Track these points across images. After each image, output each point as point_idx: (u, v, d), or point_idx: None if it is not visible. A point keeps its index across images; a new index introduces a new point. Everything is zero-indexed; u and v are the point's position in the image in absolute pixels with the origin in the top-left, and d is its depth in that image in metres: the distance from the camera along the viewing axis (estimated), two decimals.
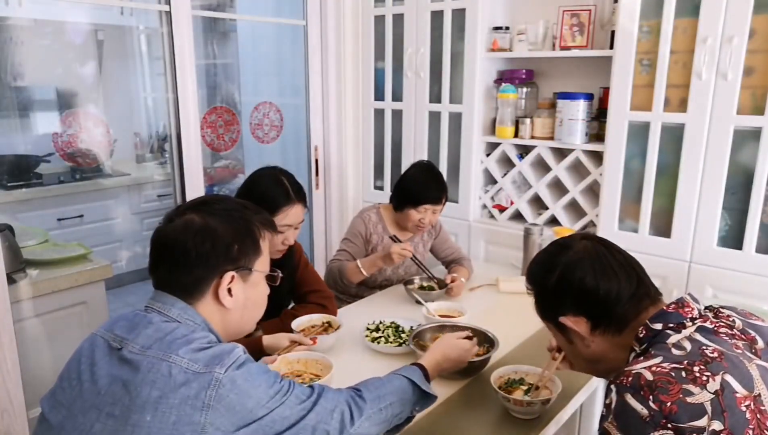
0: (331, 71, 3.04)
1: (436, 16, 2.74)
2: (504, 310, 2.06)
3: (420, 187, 2.16)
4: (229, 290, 1.03)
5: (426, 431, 1.33)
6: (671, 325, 0.99)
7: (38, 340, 2.22)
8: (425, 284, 2.15)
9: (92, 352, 0.98)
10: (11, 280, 2.09)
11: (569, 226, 2.55)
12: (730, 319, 1.00)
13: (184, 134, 2.47)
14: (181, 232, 1.01)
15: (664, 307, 1.02)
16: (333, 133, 3.12)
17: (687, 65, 2.09)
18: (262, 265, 1.09)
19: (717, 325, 0.98)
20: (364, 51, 3.06)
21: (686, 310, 1.01)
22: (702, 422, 0.82)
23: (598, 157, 2.43)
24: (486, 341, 1.65)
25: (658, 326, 1.00)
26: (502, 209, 2.76)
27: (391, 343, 1.72)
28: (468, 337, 1.52)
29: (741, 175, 2.07)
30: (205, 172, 2.69)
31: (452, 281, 2.10)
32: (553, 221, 2.64)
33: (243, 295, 1.05)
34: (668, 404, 0.83)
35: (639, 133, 2.24)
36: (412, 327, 1.79)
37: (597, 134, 2.52)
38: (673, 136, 2.17)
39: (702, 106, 2.07)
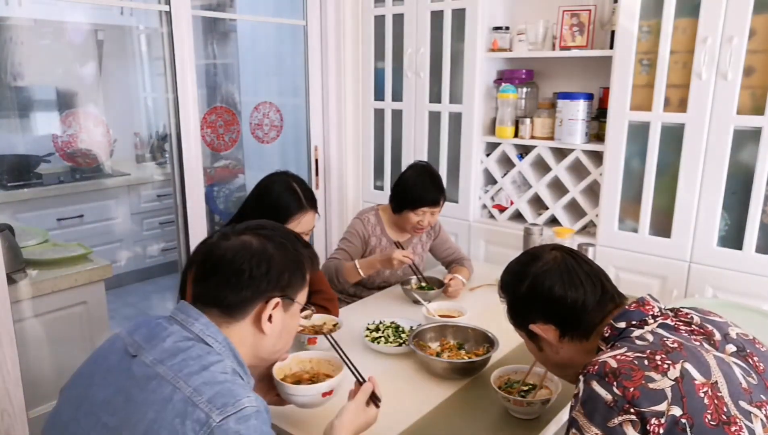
0: (331, 71, 3.04)
1: (436, 16, 2.74)
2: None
3: (417, 189, 2.14)
4: (270, 317, 1.03)
5: (426, 431, 1.33)
6: (634, 322, 1.04)
7: (38, 340, 2.22)
8: (423, 284, 2.15)
9: (110, 355, 0.98)
10: (11, 280, 2.09)
11: (569, 226, 2.55)
12: (689, 316, 1.06)
13: (184, 134, 2.47)
14: (239, 251, 1.01)
15: (627, 307, 1.07)
16: (333, 133, 3.12)
17: (687, 65, 2.09)
18: (302, 298, 1.11)
19: (677, 322, 1.04)
20: (364, 51, 3.06)
21: (647, 307, 1.06)
22: (662, 407, 0.86)
23: (598, 157, 2.43)
24: (486, 341, 1.65)
25: (622, 324, 1.04)
26: (502, 209, 2.76)
27: (391, 343, 1.72)
28: (374, 401, 1.22)
29: (741, 175, 2.07)
30: (205, 172, 2.68)
31: (449, 280, 2.10)
32: (553, 221, 2.64)
33: (281, 324, 1.06)
34: (631, 389, 0.88)
35: (639, 133, 2.25)
36: (412, 327, 1.79)
37: (597, 134, 2.52)
38: (673, 136, 2.17)
39: (702, 106, 2.07)
